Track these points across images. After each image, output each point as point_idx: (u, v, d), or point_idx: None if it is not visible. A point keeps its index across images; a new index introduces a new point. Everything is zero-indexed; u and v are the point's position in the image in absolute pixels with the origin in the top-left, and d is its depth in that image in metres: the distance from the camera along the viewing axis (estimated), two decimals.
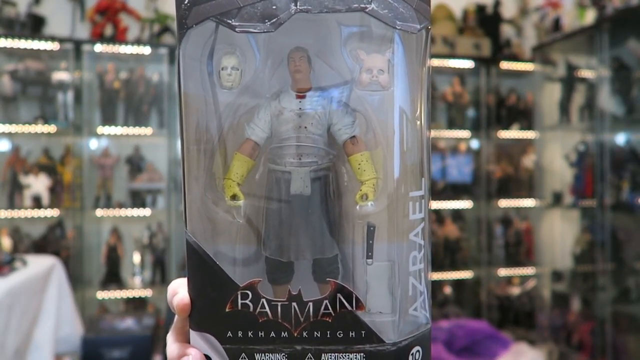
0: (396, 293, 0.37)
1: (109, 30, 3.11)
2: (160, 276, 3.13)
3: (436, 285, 3.49)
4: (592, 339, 2.88)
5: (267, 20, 0.36)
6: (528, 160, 3.63)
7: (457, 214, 3.59)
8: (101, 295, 3.06)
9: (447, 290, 3.49)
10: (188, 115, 0.38)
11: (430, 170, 0.40)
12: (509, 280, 3.59)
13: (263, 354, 0.38)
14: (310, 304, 0.37)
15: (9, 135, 3.04)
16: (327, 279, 0.37)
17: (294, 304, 0.38)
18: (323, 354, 0.38)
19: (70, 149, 3.02)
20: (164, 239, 3.13)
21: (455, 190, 3.53)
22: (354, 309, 0.37)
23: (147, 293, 3.09)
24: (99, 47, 3.02)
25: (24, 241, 2.97)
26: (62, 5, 3.14)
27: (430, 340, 0.40)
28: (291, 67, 0.37)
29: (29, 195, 2.95)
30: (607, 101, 2.86)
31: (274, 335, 0.38)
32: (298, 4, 0.36)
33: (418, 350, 0.38)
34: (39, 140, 3.08)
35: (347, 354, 0.37)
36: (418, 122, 0.38)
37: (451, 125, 3.53)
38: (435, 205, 3.48)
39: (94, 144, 3.20)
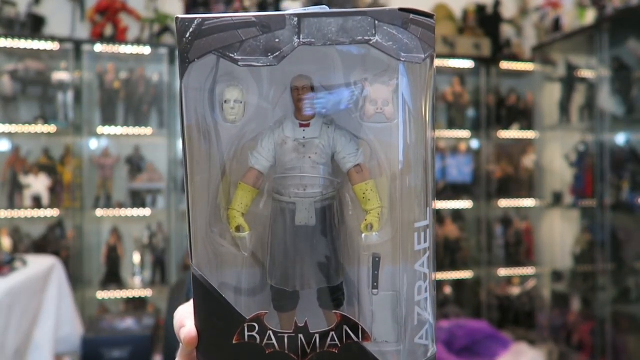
0: (402, 322, 0.37)
1: (109, 30, 3.11)
2: (160, 276, 3.13)
3: (436, 285, 3.48)
4: (592, 339, 2.88)
5: (270, 54, 0.36)
6: (528, 160, 3.63)
7: (457, 214, 3.59)
8: (101, 295, 3.06)
9: (447, 290, 3.49)
10: (192, 147, 0.38)
11: (435, 199, 0.40)
12: (509, 280, 3.59)
13: None
14: (317, 335, 0.37)
15: (9, 135, 3.04)
16: (334, 311, 0.37)
17: (301, 335, 0.37)
18: None
19: (70, 149, 3.02)
20: (164, 239, 3.13)
21: (455, 190, 3.53)
22: (360, 340, 0.37)
23: (147, 293, 3.09)
24: (99, 47, 3.02)
25: (24, 241, 2.97)
26: (62, 5, 3.14)
27: None
28: (294, 95, 0.36)
29: (29, 195, 2.95)
30: (607, 101, 2.86)
31: None
32: (301, 37, 0.35)
33: None
34: (39, 140, 3.08)
35: None
36: (423, 152, 0.38)
37: (451, 125, 3.53)
38: (435, 205, 3.47)
39: (94, 144, 3.20)
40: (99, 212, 3.07)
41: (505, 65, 3.53)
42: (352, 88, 0.36)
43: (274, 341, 0.38)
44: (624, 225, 2.82)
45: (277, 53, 0.36)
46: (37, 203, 2.95)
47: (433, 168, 0.39)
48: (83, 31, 3.16)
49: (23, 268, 2.10)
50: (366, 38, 0.35)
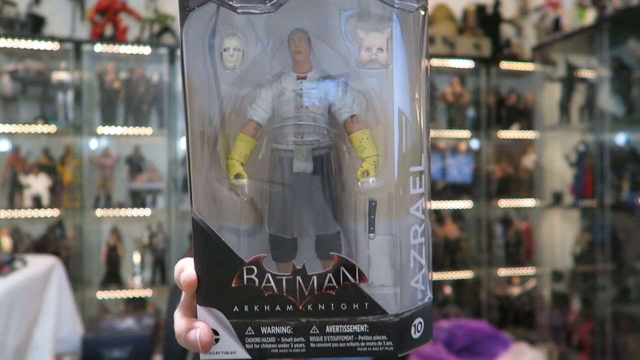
0: (398, 266, 0.38)
1: (109, 30, 3.11)
2: (160, 276, 3.13)
3: (436, 285, 3.49)
4: (592, 339, 2.88)
5: (267, 1, 0.37)
6: (528, 160, 3.63)
7: (457, 214, 3.59)
8: (101, 295, 3.06)
9: (447, 290, 3.49)
10: (192, 97, 0.38)
11: (429, 146, 0.41)
12: (509, 280, 3.59)
13: (269, 327, 0.39)
14: (315, 277, 0.38)
15: (9, 135, 3.04)
16: (331, 254, 0.38)
17: (299, 277, 0.38)
18: (327, 326, 0.38)
19: (70, 149, 3.02)
20: (164, 239, 3.13)
21: (455, 190, 3.53)
22: (357, 281, 0.38)
23: (147, 293, 3.09)
24: (99, 47, 3.02)
25: (24, 241, 2.97)
26: (62, 5, 3.14)
27: (432, 313, 0.41)
28: (292, 48, 0.37)
29: (29, 195, 2.95)
30: (607, 101, 2.86)
31: (279, 308, 0.39)
32: None
33: (420, 322, 0.39)
34: (39, 140, 3.08)
35: (350, 326, 0.38)
36: (417, 99, 0.38)
37: (451, 125, 3.53)
38: (435, 205, 3.48)
39: (94, 144, 3.20)
40: (99, 212, 3.07)
41: (505, 65, 3.53)
42: (341, 68, 0.37)
43: (272, 284, 0.38)
44: (624, 225, 2.82)
45: (274, 0, 0.36)
46: (37, 203, 2.95)
47: (427, 114, 0.40)
48: (83, 31, 3.16)
49: (23, 268, 2.10)
50: None
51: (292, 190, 0.38)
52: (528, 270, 3.54)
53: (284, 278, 0.38)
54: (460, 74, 3.55)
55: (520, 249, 3.60)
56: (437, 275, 3.42)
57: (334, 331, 0.38)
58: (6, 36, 2.86)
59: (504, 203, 3.57)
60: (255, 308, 0.39)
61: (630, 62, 2.85)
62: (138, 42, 3.12)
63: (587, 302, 3.08)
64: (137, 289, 3.08)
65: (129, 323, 2.52)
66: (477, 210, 3.59)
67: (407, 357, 1.35)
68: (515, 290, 3.54)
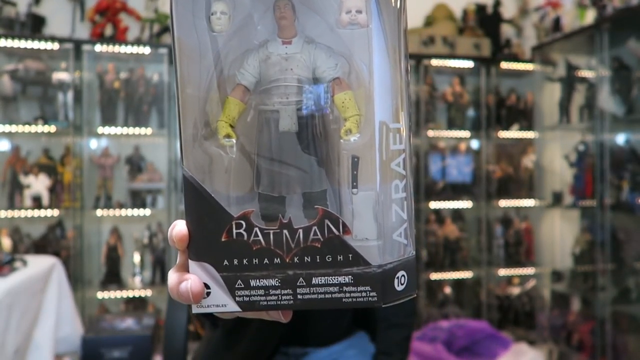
0: (380, 219, 0.39)
1: (109, 30, 3.11)
2: (160, 276, 3.13)
3: (436, 285, 3.49)
4: (592, 339, 2.88)
5: None
6: (528, 160, 3.63)
7: (457, 214, 3.59)
8: (101, 295, 3.06)
9: (447, 290, 3.49)
10: (182, 60, 0.40)
11: (410, 104, 0.42)
12: (509, 280, 3.59)
13: (258, 280, 0.40)
14: (300, 230, 0.39)
15: (9, 135, 3.03)
16: (316, 207, 0.39)
17: (285, 231, 0.40)
18: (313, 278, 0.40)
19: (70, 149, 3.02)
20: (164, 239, 3.13)
21: (455, 190, 3.53)
22: (341, 234, 0.39)
23: (147, 293, 3.09)
24: (99, 47, 3.02)
25: (24, 241, 2.97)
26: (62, 5, 3.14)
27: (415, 268, 0.42)
28: (277, 14, 0.39)
29: (29, 195, 2.95)
30: (607, 101, 2.86)
31: (267, 262, 0.40)
32: None
33: (403, 275, 0.40)
34: (39, 140, 3.08)
35: (335, 277, 0.40)
36: (397, 59, 0.40)
37: (451, 125, 3.53)
38: (435, 205, 3.48)
39: (94, 144, 3.20)
40: (99, 212, 3.07)
41: (505, 65, 3.53)
42: (324, 31, 0.39)
43: (260, 237, 0.40)
44: (624, 225, 2.82)
45: None
46: (37, 203, 2.95)
47: (407, 73, 0.41)
48: (83, 31, 3.16)
49: (23, 268, 2.10)
50: None
51: (279, 149, 0.39)
52: (528, 270, 3.54)
53: (271, 232, 0.40)
54: (460, 74, 3.55)
55: (520, 249, 3.60)
56: (437, 275, 3.42)
57: (319, 282, 0.40)
58: (6, 36, 2.86)
59: (504, 203, 3.57)
60: (245, 261, 0.40)
61: (630, 62, 2.85)
62: (138, 42, 3.12)
63: (587, 302, 3.08)
64: (137, 289, 3.08)
65: (129, 323, 2.52)
66: (477, 210, 3.59)
67: (406, 348, 1.35)
68: (515, 290, 3.54)
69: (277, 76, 0.39)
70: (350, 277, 0.39)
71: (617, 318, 2.78)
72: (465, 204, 3.54)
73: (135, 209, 3.09)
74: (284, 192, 0.40)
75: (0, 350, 1.74)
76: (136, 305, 3.13)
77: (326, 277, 0.40)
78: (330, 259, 0.39)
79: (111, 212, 3.07)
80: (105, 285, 3.06)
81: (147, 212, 3.11)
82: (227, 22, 0.39)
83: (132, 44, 3.08)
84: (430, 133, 3.44)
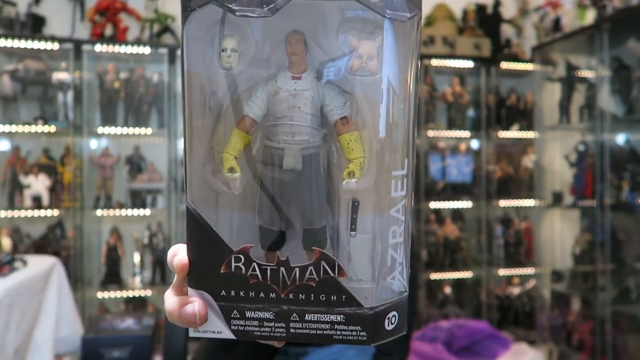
0: (376, 264, 0.40)
1: (109, 30, 3.11)
2: (160, 276, 3.13)
3: (436, 285, 3.49)
4: (592, 339, 2.88)
5: (264, 6, 0.38)
6: (528, 160, 3.63)
7: (457, 214, 3.59)
8: (101, 295, 3.06)
9: (447, 290, 3.49)
10: (191, 92, 0.40)
11: (414, 151, 0.42)
12: (509, 280, 3.59)
13: (253, 312, 0.42)
14: (297, 269, 0.40)
15: (9, 135, 3.03)
16: (313, 248, 0.40)
17: (282, 268, 0.41)
18: (307, 314, 0.41)
19: (70, 149, 3.02)
20: (164, 239, 3.13)
21: (455, 190, 3.53)
22: (336, 275, 0.40)
23: (147, 293, 3.09)
24: (99, 47, 3.02)
25: (24, 241, 2.97)
26: (62, 5, 3.14)
27: (406, 306, 0.43)
28: (288, 49, 0.39)
29: (29, 195, 2.95)
30: (607, 101, 2.86)
31: (263, 295, 0.41)
32: None
33: (394, 315, 0.42)
34: (39, 140, 3.08)
35: (328, 315, 0.41)
36: (406, 107, 0.40)
37: (451, 125, 3.53)
38: (435, 205, 3.48)
39: (94, 144, 3.20)
40: (99, 212, 3.07)
41: (505, 65, 3.53)
42: (334, 71, 0.39)
43: (258, 272, 0.41)
44: (624, 225, 2.82)
45: (272, 5, 0.38)
46: (37, 203, 2.95)
47: (414, 123, 0.41)
48: (83, 31, 3.16)
49: (23, 268, 2.10)
50: None
51: (282, 186, 0.40)
52: (528, 270, 3.54)
53: (268, 268, 0.41)
54: (460, 74, 3.55)
55: (520, 249, 3.60)
56: (437, 275, 3.42)
57: (312, 319, 0.41)
58: (6, 36, 2.86)
59: (504, 203, 3.57)
60: (241, 293, 0.41)
61: (630, 62, 2.85)
62: (138, 42, 3.12)
63: (587, 302, 3.08)
64: (137, 289, 3.08)
65: (129, 323, 2.52)
66: (477, 210, 3.59)
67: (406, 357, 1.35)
68: (515, 290, 3.54)
69: (285, 113, 0.39)
70: (342, 316, 0.40)
71: (617, 318, 2.78)
72: (465, 204, 3.54)
73: (135, 209, 3.09)
74: (283, 227, 0.40)
75: (0, 350, 1.74)
76: (136, 305, 3.13)
77: (319, 315, 0.41)
78: (324, 298, 0.41)
79: (111, 212, 3.07)
80: (105, 285, 3.06)
81: (147, 212, 3.11)
82: (236, 59, 0.39)
83: (132, 44, 3.08)
84: (430, 133, 3.44)
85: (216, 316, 0.42)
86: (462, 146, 3.57)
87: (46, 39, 2.92)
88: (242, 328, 0.42)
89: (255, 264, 0.41)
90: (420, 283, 3.36)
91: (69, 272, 2.66)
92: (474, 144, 3.65)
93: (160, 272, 3.13)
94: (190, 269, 0.42)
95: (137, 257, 3.15)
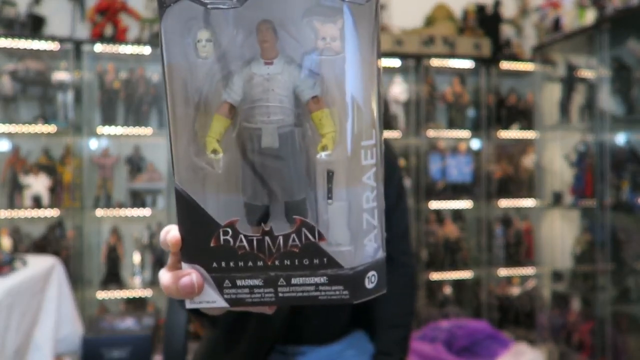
0: (352, 227, 0.43)
1: (109, 30, 3.11)
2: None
3: (436, 285, 3.49)
4: (592, 339, 2.88)
5: None
6: (528, 160, 3.63)
7: (457, 214, 3.59)
8: (101, 295, 3.06)
9: (447, 290, 3.49)
10: (172, 83, 0.44)
11: (382, 123, 0.46)
12: (509, 280, 3.59)
13: (243, 280, 0.45)
14: (281, 237, 0.44)
15: (9, 135, 3.04)
16: (294, 217, 0.44)
17: (267, 238, 0.44)
18: (292, 278, 0.44)
19: (70, 149, 3.02)
20: None
21: (455, 190, 3.53)
22: (317, 240, 0.44)
23: (147, 293, 3.09)
24: (99, 47, 3.02)
25: (24, 241, 2.97)
26: (62, 5, 3.14)
27: (384, 267, 0.46)
28: (259, 37, 0.42)
29: (29, 195, 2.95)
30: (607, 101, 2.86)
31: (251, 264, 0.45)
32: None
33: (373, 274, 0.45)
34: (39, 140, 3.08)
35: (312, 278, 0.44)
36: (370, 82, 0.43)
37: (451, 125, 3.53)
38: (435, 205, 3.48)
39: (94, 144, 3.20)
40: (99, 212, 3.07)
41: (505, 65, 3.53)
42: (303, 54, 0.42)
43: (245, 243, 0.44)
44: (624, 225, 2.82)
45: (238, 2, 0.42)
46: (37, 203, 2.95)
47: (379, 96, 0.44)
48: (83, 31, 3.16)
49: (23, 268, 2.10)
50: None
51: (262, 163, 0.43)
52: (528, 270, 3.54)
53: (254, 238, 0.44)
54: (460, 74, 3.55)
55: (520, 249, 3.60)
56: (437, 275, 3.42)
57: (298, 282, 0.44)
58: (6, 36, 2.86)
59: (504, 203, 3.57)
60: (231, 264, 0.45)
61: (630, 62, 2.85)
62: (138, 42, 3.12)
63: (587, 302, 3.08)
64: (137, 289, 3.08)
65: (129, 323, 2.52)
66: (477, 210, 3.59)
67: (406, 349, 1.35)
68: (515, 290, 3.54)
69: (260, 96, 0.42)
70: (325, 277, 0.44)
71: (617, 318, 2.78)
72: (465, 204, 3.54)
73: (135, 209, 3.09)
74: (266, 202, 0.43)
75: (0, 350, 1.74)
76: (136, 305, 3.13)
77: (303, 278, 0.44)
78: (307, 262, 0.44)
79: (111, 212, 3.07)
80: (105, 285, 3.06)
81: (147, 212, 3.11)
82: (211, 49, 0.42)
83: (132, 44, 3.08)
84: (430, 133, 3.44)
85: (210, 287, 0.45)
86: (462, 146, 3.57)
87: (46, 39, 2.92)
88: (234, 296, 0.45)
89: (242, 235, 0.44)
90: (420, 283, 3.36)
91: (69, 272, 2.66)
92: (474, 144, 3.65)
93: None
94: (182, 245, 0.46)
95: (137, 257, 3.15)
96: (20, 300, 1.92)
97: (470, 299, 3.59)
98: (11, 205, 2.94)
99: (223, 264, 0.45)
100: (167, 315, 1.32)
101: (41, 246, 2.96)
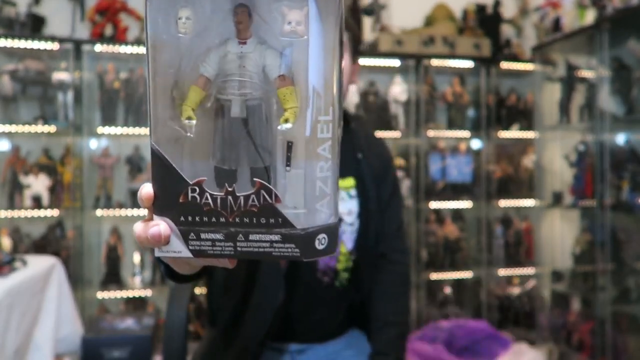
0: (306, 193, 0.48)
1: (109, 30, 3.11)
2: (160, 276, 3.13)
3: (436, 285, 3.49)
4: (592, 339, 2.88)
5: None
6: (528, 160, 3.63)
7: (457, 214, 3.59)
8: (101, 295, 3.06)
9: (447, 290, 3.49)
10: (155, 55, 0.49)
11: (341, 100, 0.50)
12: (509, 280, 3.59)
13: (206, 234, 0.50)
14: (242, 197, 0.49)
15: (9, 135, 3.04)
16: (254, 180, 0.49)
17: (230, 197, 0.49)
18: (250, 235, 0.49)
19: (70, 149, 3.02)
20: None
21: (455, 190, 3.53)
22: (274, 202, 0.48)
23: (147, 293, 3.09)
24: (99, 47, 3.02)
25: (24, 241, 2.97)
26: (62, 5, 3.14)
27: (336, 232, 0.50)
28: (235, 19, 0.47)
29: (29, 195, 2.95)
30: (607, 101, 2.86)
31: (214, 220, 0.50)
32: None
33: (324, 237, 0.50)
34: (39, 140, 3.08)
35: (267, 235, 0.49)
36: (332, 64, 0.48)
37: (451, 125, 3.53)
38: (435, 205, 3.48)
39: (94, 144, 3.20)
40: (99, 212, 3.07)
41: (505, 65, 3.53)
42: (272, 36, 0.47)
43: (210, 201, 0.49)
44: (624, 225, 2.82)
45: None
46: (37, 203, 2.95)
47: (340, 77, 0.49)
48: (83, 31, 3.16)
49: (23, 268, 2.10)
50: None
51: (230, 131, 0.48)
52: (528, 270, 3.54)
53: (218, 197, 0.49)
54: (460, 74, 3.55)
55: (520, 249, 3.60)
56: (437, 275, 3.43)
57: (255, 239, 0.49)
58: (6, 36, 2.86)
59: (504, 203, 3.57)
60: (197, 219, 0.50)
61: (630, 62, 2.85)
62: (138, 42, 3.12)
63: (587, 302, 3.08)
64: (137, 289, 3.08)
65: (129, 323, 2.52)
66: (477, 210, 3.59)
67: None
68: (515, 290, 3.54)
69: (233, 72, 0.47)
70: (279, 236, 0.49)
71: (617, 318, 2.79)
72: (465, 204, 3.54)
73: (135, 209, 3.09)
74: (232, 166, 0.49)
75: (0, 350, 1.74)
76: (136, 305, 3.13)
77: (260, 235, 0.49)
78: (264, 221, 0.49)
79: (111, 212, 3.07)
80: (105, 285, 3.06)
81: (147, 212, 3.10)
82: (191, 26, 0.47)
83: (132, 44, 3.08)
84: (430, 133, 3.44)
85: (177, 239, 0.51)
86: (462, 146, 3.57)
87: (46, 39, 2.92)
88: (198, 248, 0.50)
89: (207, 193, 0.49)
90: (420, 283, 3.36)
91: (69, 272, 2.66)
92: (474, 144, 3.65)
93: (160, 272, 3.13)
94: (155, 200, 0.52)
95: (137, 257, 3.15)
96: (20, 300, 1.92)
97: (470, 299, 3.59)
98: (11, 205, 2.94)
99: (189, 218, 0.50)
100: (166, 316, 1.32)
101: (41, 246, 2.96)
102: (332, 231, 0.50)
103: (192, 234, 0.50)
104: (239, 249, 0.49)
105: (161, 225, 0.51)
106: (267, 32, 0.46)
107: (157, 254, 0.53)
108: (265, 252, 0.49)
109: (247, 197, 0.49)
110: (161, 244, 0.51)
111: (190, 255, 0.51)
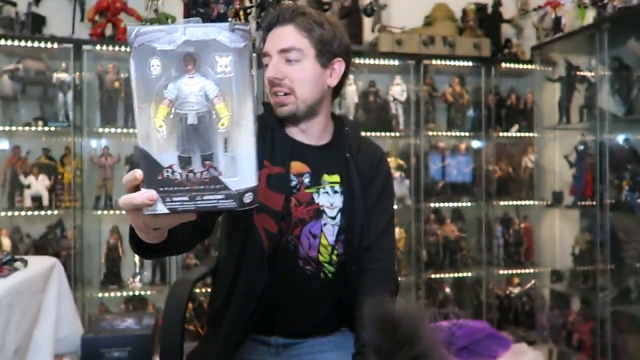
0: (237, 168, 0.73)
1: (109, 30, 3.11)
2: (160, 276, 3.13)
3: (436, 285, 3.49)
4: (592, 339, 2.88)
5: (171, 43, 0.71)
6: (528, 160, 3.63)
7: (457, 214, 3.59)
8: (101, 295, 3.06)
9: (447, 290, 3.49)
10: (137, 88, 0.72)
11: (256, 108, 0.75)
12: (509, 280, 3.59)
13: (177, 196, 0.74)
14: (198, 173, 0.73)
15: (9, 135, 3.04)
16: (206, 162, 0.73)
17: (190, 174, 0.73)
18: (205, 195, 0.73)
19: (70, 149, 3.02)
20: None
21: (455, 190, 3.53)
22: (218, 175, 0.73)
23: (147, 293, 3.09)
24: (99, 47, 3.02)
25: (24, 241, 2.98)
26: (62, 5, 3.14)
27: (257, 192, 0.74)
28: (185, 63, 0.71)
29: (29, 195, 2.95)
30: (607, 101, 2.86)
31: (181, 188, 0.73)
32: (186, 32, 0.71)
33: (250, 195, 0.73)
34: (39, 140, 3.08)
35: (215, 195, 0.73)
36: (248, 86, 0.72)
37: (451, 125, 3.53)
38: (435, 205, 3.48)
39: (94, 144, 3.20)
40: (99, 212, 3.07)
41: (505, 65, 3.53)
42: (211, 72, 0.72)
43: (178, 176, 0.73)
44: (624, 225, 2.82)
45: (175, 42, 0.71)
46: (37, 203, 2.95)
47: (253, 93, 0.73)
48: (83, 31, 3.16)
49: (23, 268, 2.10)
50: (215, 38, 0.72)
51: (187, 133, 0.72)
52: (528, 270, 3.54)
53: (184, 174, 0.73)
54: (460, 74, 3.55)
55: (520, 248, 3.60)
56: (437, 275, 3.43)
57: (208, 198, 0.73)
58: (6, 36, 2.86)
59: (504, 203, 3.57)
60: (170, 188, 0.74)
61: (630, 62, 2.85)
62: None
63: (587, 302, 3.08)
64: (137, 289, 3.08)
65: (129, 323, 2.52)
66: (477, 210, 3.59)
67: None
68: (515, 290, 3.54)
69: (186, 95, 0.71)
70: (222, 195, 0.73)
71: (617, 318, 2.78)
72: (465, 204, 3.54)
73: None
74: (190, 154, 0.72)
75: (0, 350, 1.74)
76: (136, 305, 3.13)
77: (210, 196, 0.73)
78: (212, 187, 0.73)
79: (111, 212, 3.07)
80: (105, 285, 3.06)
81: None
82: (160, 69, 0.71)
83: None
84: (431, 133, 3.44)
85: (159, 202, 0.74)
86: (462, 146, 3.57)
87: (46, 39, 2.92)
88: (172, 206, 0.74)
89: (177, 172, 0.73)
90: (420, 283, 3.37)
91: (69, 272, 2.66)
92: (474, 144, 3.65)
93: (160, 272, 3.13)
94: (143, 179, 0.75)
95: (137, 257, 3.15)
96: (20, 300, 1.92)
97: (470, 298, 3.59)
98: (11, 205, 2.94)
99: (166, 188, 0.74)
100: (163, 316, 1.33)
101: (41, 246, 2.96)
102: (254, 191, 0.74)
103: (167, 197, 0.74)
104: (199, 204, 0.73)
105: (152, 192, 0.74)
106: (207, 71, 0.71)
107: (146, 212, 0.75)
108: (213, 206, 0.73)
109: (201, 173, 0.73)
110: (152, 204, 0.74)
111: (167, 211, 0.74)
